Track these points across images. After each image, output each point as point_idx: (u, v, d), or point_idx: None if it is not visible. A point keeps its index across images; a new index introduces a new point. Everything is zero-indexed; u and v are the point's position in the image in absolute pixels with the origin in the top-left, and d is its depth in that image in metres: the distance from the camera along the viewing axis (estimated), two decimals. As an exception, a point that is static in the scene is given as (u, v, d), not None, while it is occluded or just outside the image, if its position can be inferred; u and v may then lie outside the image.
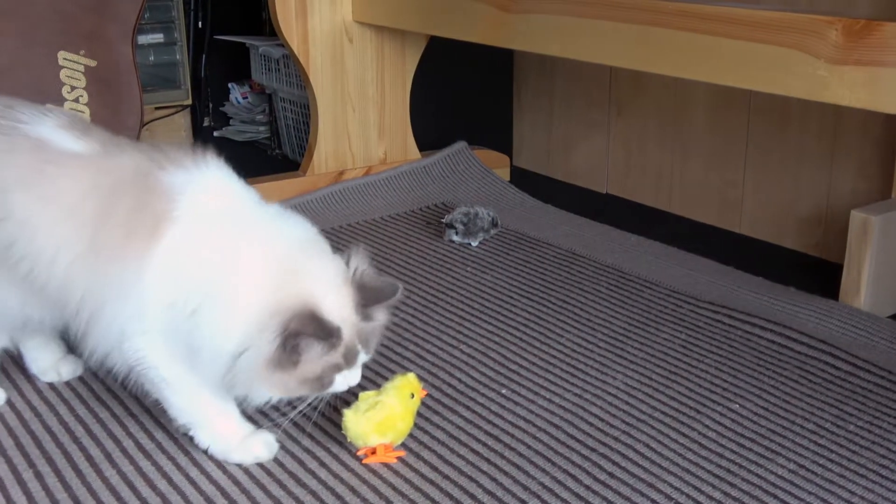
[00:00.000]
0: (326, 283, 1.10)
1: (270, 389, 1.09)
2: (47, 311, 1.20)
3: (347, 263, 1.13)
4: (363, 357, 1.13)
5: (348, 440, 1.18)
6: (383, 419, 1.17)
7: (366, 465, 1.17)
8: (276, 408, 1.29)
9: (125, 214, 1.11)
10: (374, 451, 1.18)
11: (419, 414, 1.25)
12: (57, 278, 1.13)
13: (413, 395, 1.20)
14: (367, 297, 1.12)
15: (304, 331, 1.05)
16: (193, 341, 1.09)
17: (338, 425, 1.23)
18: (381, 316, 1.15)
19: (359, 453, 1.19)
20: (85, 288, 1.12)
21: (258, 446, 1.19)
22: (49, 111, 1.19)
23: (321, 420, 1.26)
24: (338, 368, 1.10)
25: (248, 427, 1.21)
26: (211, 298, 1.08)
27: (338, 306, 1.09)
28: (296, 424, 1.26)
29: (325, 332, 1.06)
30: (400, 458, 1.19)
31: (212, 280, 1.08)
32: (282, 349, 1.05)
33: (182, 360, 1.12)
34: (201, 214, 1.11)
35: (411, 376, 1.22)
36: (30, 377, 1.38)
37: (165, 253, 1.09)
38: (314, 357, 1.08)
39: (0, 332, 1.29)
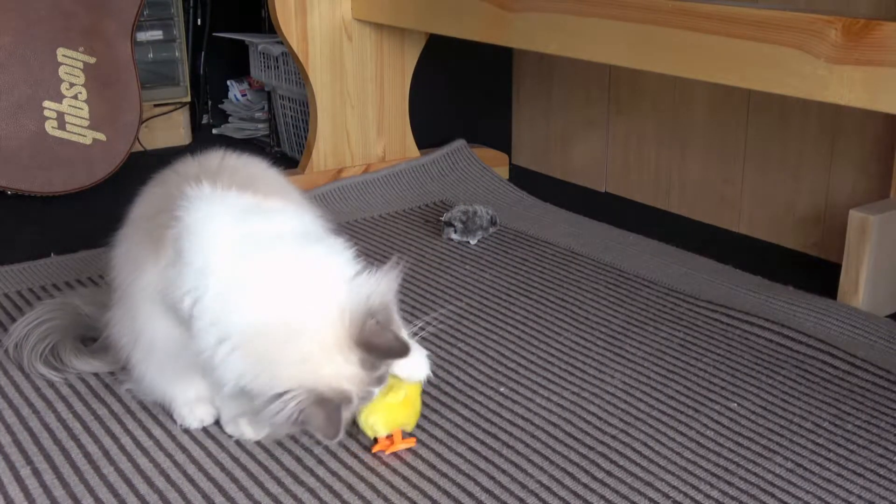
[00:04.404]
0: (329, 352, 1.05)
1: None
2: None
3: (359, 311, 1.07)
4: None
5: (363, 431, 1.20)
6: (394, 405, 1.18)
7: (364, 464, 1.17)
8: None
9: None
10: (391, 441, 1.19)
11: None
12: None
13: None
14: (375, 355, 1.07)
15: (315, 424, 1.03)
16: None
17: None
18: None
19: (376, 449, 1.19)
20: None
21: (245, 425, 1.22)
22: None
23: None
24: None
25: None
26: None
27: (344, 375, 1.06)
28: (294, 422, 1.26)
29: (333, 431, 1.04)
30: (398, 456, 1.19)
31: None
32: (293, 423, 1.05)
33: None
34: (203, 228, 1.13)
35: None
36: (26, 373, 1.38)
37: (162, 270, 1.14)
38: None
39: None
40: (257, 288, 1.06)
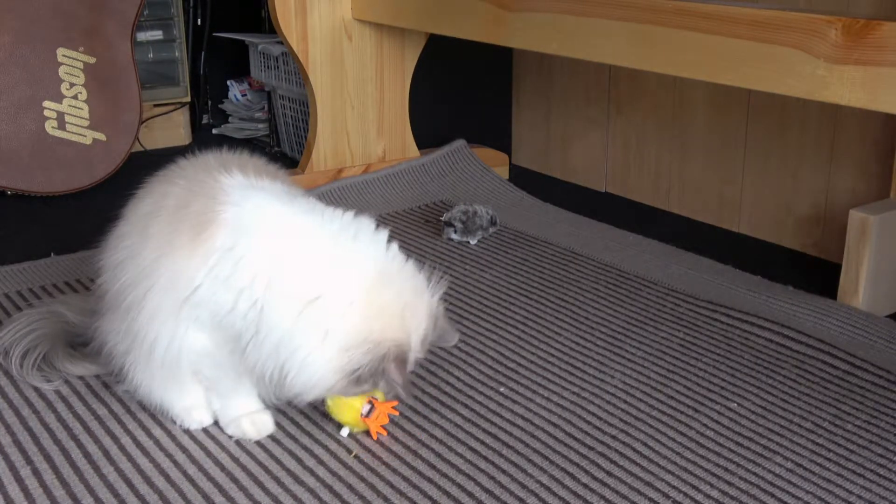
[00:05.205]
0: (420, 320, 1.14)
1: (324, 391, 1.13)
2: None
3: (430, 290, 1.17)
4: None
5: (343, 422, 1.23)
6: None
7: (364, 464, 1.17)
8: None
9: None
10: (371, 410, 1.21)
11: (417, 413, 1.26)
12: None
13: None
14: (435, 336, 1.18)
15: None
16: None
17: (337, 423, 1.24)
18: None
19: (375, 424, 1.22)
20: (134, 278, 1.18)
21: (247, 424, 1.23)
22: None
23: (319, 418, 1.26)
24: None
25: (255, 405, 1.24)
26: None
27: (417, 345, 1.15)
28: (294, 422, 1.26)
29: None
30: (398, 456, 1.19)
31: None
32: (368, 375, 1.10)
33: (225, 347, 1.16)
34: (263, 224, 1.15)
35: None
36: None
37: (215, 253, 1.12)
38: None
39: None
40: (353, 248, 1.15)
